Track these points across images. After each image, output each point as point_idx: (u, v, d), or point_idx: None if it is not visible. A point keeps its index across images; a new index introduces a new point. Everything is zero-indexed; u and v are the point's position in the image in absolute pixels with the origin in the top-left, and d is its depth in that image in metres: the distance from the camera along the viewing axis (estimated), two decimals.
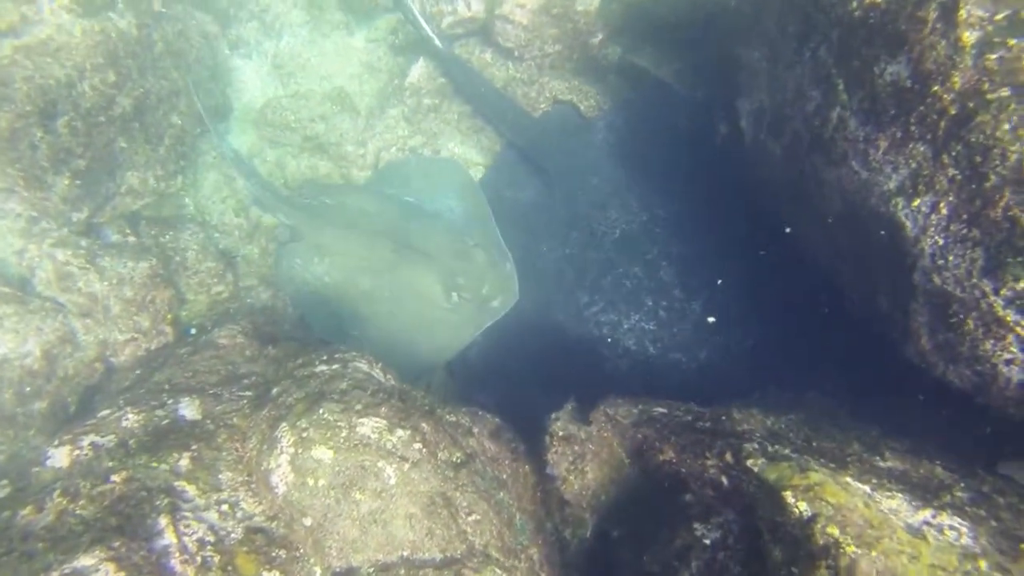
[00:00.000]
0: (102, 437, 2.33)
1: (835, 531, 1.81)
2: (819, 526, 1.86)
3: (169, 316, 3.84)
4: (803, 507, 1.97)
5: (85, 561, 1.74)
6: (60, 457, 2.27)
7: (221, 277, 4.35)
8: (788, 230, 3.75)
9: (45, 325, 3.36)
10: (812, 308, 3.96)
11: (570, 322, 4.42)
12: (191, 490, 2.11)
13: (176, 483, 2.10)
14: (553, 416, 3.12)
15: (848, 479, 2.12)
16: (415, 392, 2.75)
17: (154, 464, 2.15)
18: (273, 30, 5.12)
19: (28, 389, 3.26)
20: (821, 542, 1.82)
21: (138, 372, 3.24)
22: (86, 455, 2.25)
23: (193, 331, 3.97)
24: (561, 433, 3.03)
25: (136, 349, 3.59)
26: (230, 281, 4.40)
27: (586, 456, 3.00)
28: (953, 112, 2.42)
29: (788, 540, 2.00)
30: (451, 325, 3.95)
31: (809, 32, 3.32)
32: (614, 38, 4.88)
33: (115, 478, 2.06)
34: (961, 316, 2.44)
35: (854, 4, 2.89)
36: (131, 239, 4.02)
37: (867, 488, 2.06)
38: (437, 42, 4.72)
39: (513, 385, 4.27)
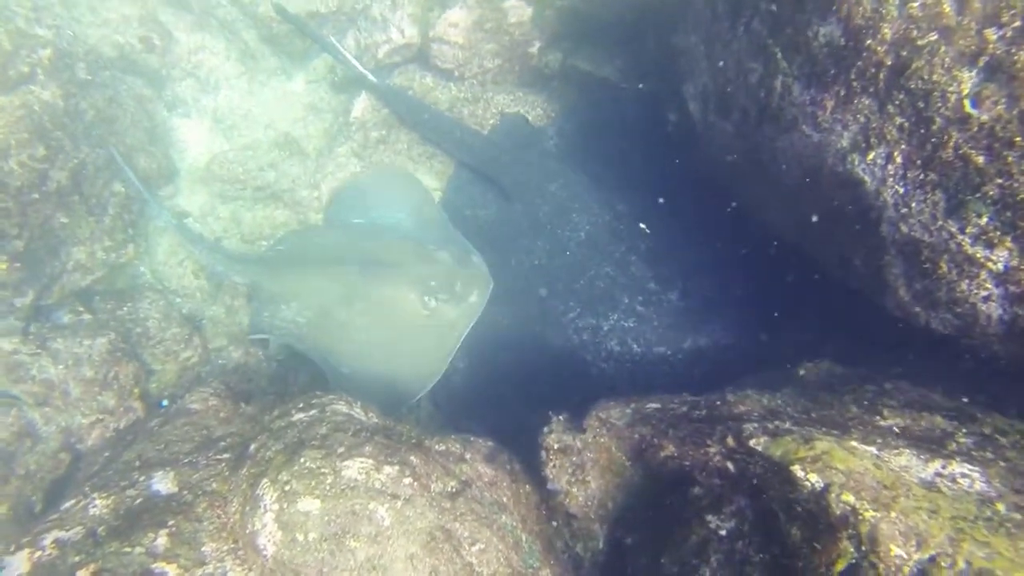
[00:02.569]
0: (67, 531, 2.17)
1: (850, 498, 1.74)
2: (833, 495, 1.78)
3: (136, 391, 3.68)
4: (814, 478, 1.90)
5: None
6: (19, 564, 2.09)
7: (188, 342, 4.20)
8: (734, 204, 3.73)
9: None
10: (788, 280, 3.95)
11: (549, 333, 4.33)
12: (171, 570, 1.96)
13: (154, 565, 1.96)
14: (546, 429, 3.02)
15: (854, 443, 2.05)
16: (400, 427, 2.64)
17: (127, 549, 2.00)
18: (209, 85, 5.04)
19: None
20: (838, 511, 1.75)
21: (107, 454, 3.07)
22: (49, 555, 2.09)
23: (165, 403, 3.81)
24: (556, 445, 2.93)
25: (103, 431, 3.42)
26: (198, 345, 4.25)
27: (586, 465, 2.90)
28: (889, 62, 2.43)
29: (804, 516, 1.92)
30: (435, 332, 3.84)
31: (739, 7, 3.34)
32: (552, 44, 4.90)
33: (81, 574, 1.90)
34: (933, 261, 2.42)
35: None
36: (86, 317, 3.86)
37: (873, 449, 2.00)
38: (371, 78, 4.68)
39: (501, 407, 4.16)
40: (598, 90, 4.98)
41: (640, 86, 4.72)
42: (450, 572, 2.01)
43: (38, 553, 2.07)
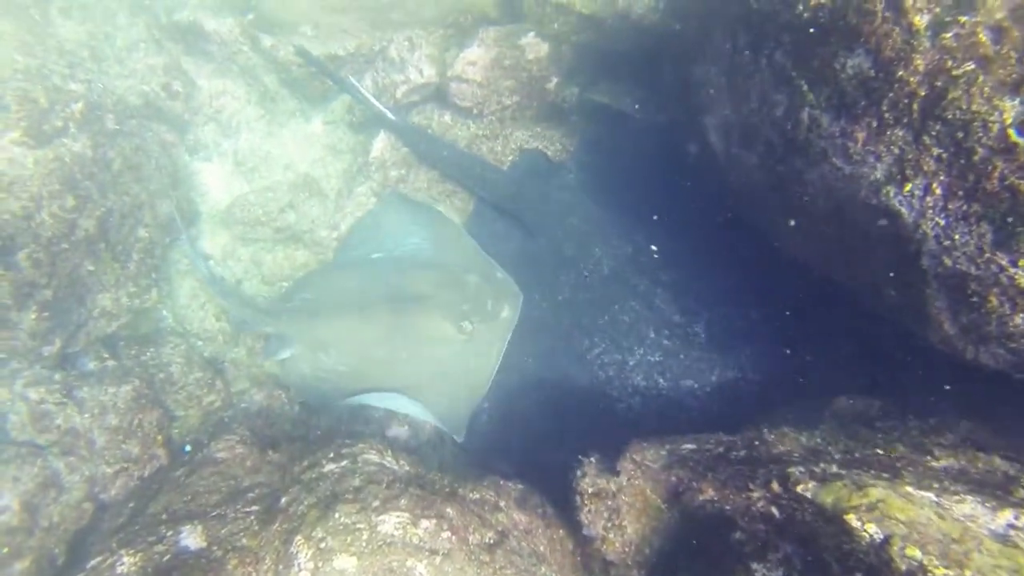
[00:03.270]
0: None
1: (916, 553, 1.65)
2: (895, 548, 1.69)
3: (160, 437, 3.64)
4: (871, 529, 1.81)
5: None
6: None
7: (211, 386, 4.17)
8: (748, 227, 3.69)
9: (22, 473, 3.14)
10: (816, 311, 3.87)
11: (575, 370, 4.27)
12: None
13: None
14: (579, 473, 2.94)
15: (909, 488, 1.96)
16: (432, 475, 2.58)
17: None
18: (230, 129, 5.10)
19: (6, 550, 2.99)
20: (904, 568, 1.65)
21: (131, 505, 3.01)
22: None
23: (188, 448, 3.75)
24: (591, 490, 2.85)
25: (128, 480, 3.38)
26: (220, 388, 4.22)
27: (621, 509, 2.82)
28: (923, 93, 2.39)
29: (863, 568, 1.82)
30: (475, 354, 3.86)
31: (760, 40, 3.33)
32: (569, 79, 4.92)
33: None
34: (982, 295, 2.35)
35: (800, 7, 2.90)
36: (110, 363, 3.85)
37: (931, 495, 1.91)
38: (390, 116, 4.72)
39: (528, 446, 4.09)
40: (616, 123, 4.99)
41: (659, 118, 4.71)
42: None
43: None
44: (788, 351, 4.04)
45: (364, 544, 1.99)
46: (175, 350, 4.17)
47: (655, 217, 4.53)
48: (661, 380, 4.18)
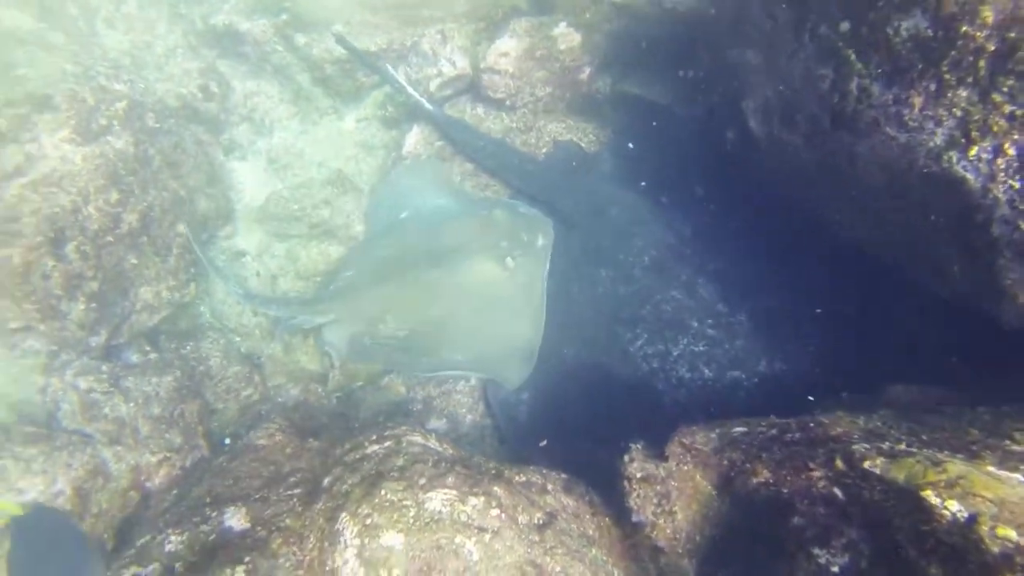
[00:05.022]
0: (144, 567, 2.10)
1: (1011, 533, 1.51)
2: (985, 529, 1.56)
3: (201, 428, 3.65)
4: (954, 507, 1.68)
5: None
6: None
7: (248, 380, 4.18)
8: (792, 210, 3.56)
9: (74, 460, 3.17)
10: (870, 297, 3.72)
11: (616, 363, 4.15)
12: None
13: None
14: (626, 458, 2.84)
15: (991, 468, 1.83)
16: (477, 458, 2.51)
17: None
18: (264, 128, 5.15)
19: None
20: (996, 549, 1.52)
21: (175, 492, 3.02)
22: None
23: (227, 441, 3.76)
24: (639, 474, 2.75)
25: (171, 469, 3.38)
26: (258, 383, 4.23)
27: (671, 495, 2.70)
28: (992, 47, 2.27)
29: (945, 551, 1.69)
30: (523, 286, 3.97)
31: (804, 14, 3.23)
32: (603, 69, 4.86)
33: None
34: None
35: None
36: (152, 356, 3.88)
37: (1020, 476, 1.77)
38: (428, 105, 4.70)
39: (569, 441, 3.98)
40: (651, 112, 4.90)
41: (695, 106, 4.62)
42: None
43: None
44: (838, 341, 3.88)
45: (411, 521, 1.93)
46: (213, 344, 4.20)
47: (695, 206, 4.42)
48: (707, 371, 4.05)
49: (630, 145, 4.89)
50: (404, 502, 1.97)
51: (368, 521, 1.94)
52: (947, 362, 3.43)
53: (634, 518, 2.69)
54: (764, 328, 4.03)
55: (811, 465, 2.30)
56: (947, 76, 2.44)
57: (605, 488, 2.92)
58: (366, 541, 1.91)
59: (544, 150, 4.87)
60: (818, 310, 3.95)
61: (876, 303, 3.76)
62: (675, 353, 4.08)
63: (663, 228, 4.43)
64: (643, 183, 4.65)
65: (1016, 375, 2.89)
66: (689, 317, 4.12)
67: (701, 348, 4.07)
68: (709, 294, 4.17)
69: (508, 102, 4.78)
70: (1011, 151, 2.26)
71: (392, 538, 1.89)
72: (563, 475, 2.91)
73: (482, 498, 2.02)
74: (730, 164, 4.24)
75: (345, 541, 1.94)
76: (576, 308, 4.29)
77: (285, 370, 4.51)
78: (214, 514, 2.36)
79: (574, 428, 4.01)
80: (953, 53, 2.39)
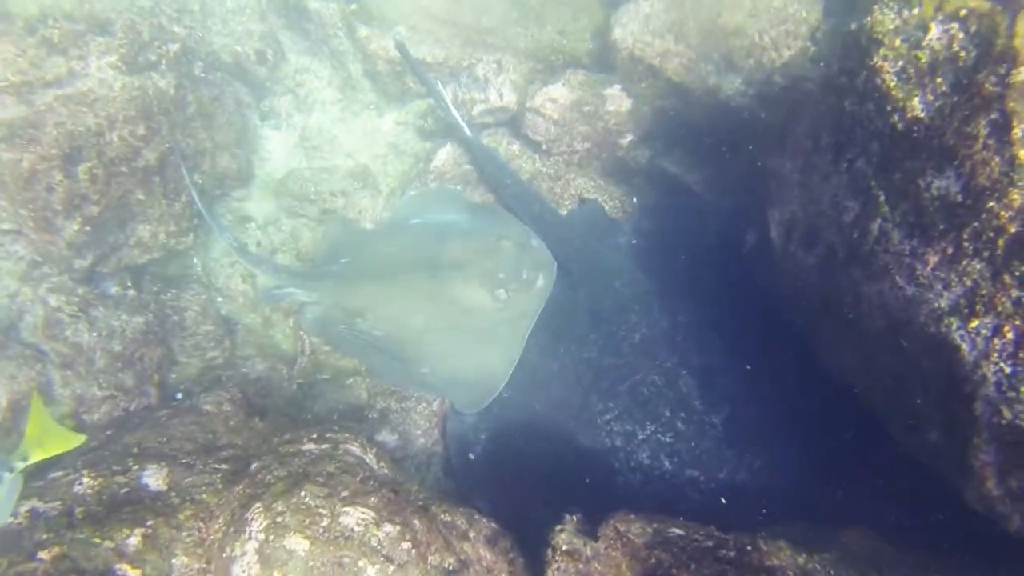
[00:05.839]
0: (46, 503, 2.04)
1: None
2: None
3: (156, 377, 3.61)
4: None
5: None
6: None
7: (219, 343, 4.15)
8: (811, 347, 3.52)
9: (20, 374, 3.13)
10: (846, 433, 3.68)
11: (582, 429, 4.10)
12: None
13: (118, 566, 1.80)
14: (558, 527, 2.78)
15: None
16: (409, 485, 2.46)
17: (96, 540, 1.85)
18: (305, 105, 5.21)
19: None
20: None
21: (109, 433, 2.96)
22: (19, 524, 1.95)
23: (179, 396, 3.71)
24: (565, 547, 2.69)
25: (113, 407, 3.33)
26: (227, 347, 4.19)
27: None
28: (1013, 230, 2.28)
29: None
30: (508, 322, 3.95)
31: (845, 144, 3.27)
32: (644, 141, 4.92)
33: (43, 555, 1.76)
34: None
35: (895, 118, 2.84)
36: (131, 293, 3.86)
37: None
38: (466, 130, 4.75)
39: (515, 493, 3.91)
40: (680, 196, 4.94)
41: (724, 201, 4.66)
42: None
43: (9, 519, 1.94)
44: (807, 467, 3.83)
45: (321, 531, 1.88)
46: (194, 298, 4.18)
47: (699, 297, 4.42)
48: (667, 463, 3.99)
49: (653, 223, 4.91)
50: (320, 510, 1.92)
51: (279, 519, 1.89)
52: (903, 522, 3.37)
53: None
54: (734, 437, 3.98)
55: None
56: (965, 244, 2.45)
57: (534, 548, 2.86)
58: (271, 538, 1.86)
59: (568, 203, 4.89)
60: (793, 435, 3.91)
61: (855, 442, 3.72)
62: (640, 436, 4.03)
63: (661, 311, 4.41)
64: (656, 264, 4.65)
65: (972, 557, 2.83)
66: (663, 405, 4.08)
67: (667, 439, 4.02)
68: (689, 387, 4.13)
69: (545, 146, 4.83)
70: (1010, 335, 2.25)
71: (297, 543, 1.84)
72: (493, 525, 2.84)
73: (398, 527, 1.97)
74: (742, 265, 4.26)
75: (251, 532, 1.89)
76: (557, 365, 4.26)
77: (258, 343, 4.48)
78: (135, 467, 2.31)
79: (523, 480, 3.95)
80: (976, 224, 2.40)
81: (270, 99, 5.14)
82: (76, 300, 3.43)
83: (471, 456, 4.01)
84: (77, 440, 2.28)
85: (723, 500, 3.82)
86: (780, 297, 3.87)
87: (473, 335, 3.93)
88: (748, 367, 4.08)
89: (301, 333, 4.20)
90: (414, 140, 5.25)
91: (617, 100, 4.75)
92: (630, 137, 4.86)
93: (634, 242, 4.80)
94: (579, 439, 4.07)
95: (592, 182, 4.94)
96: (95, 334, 3.39)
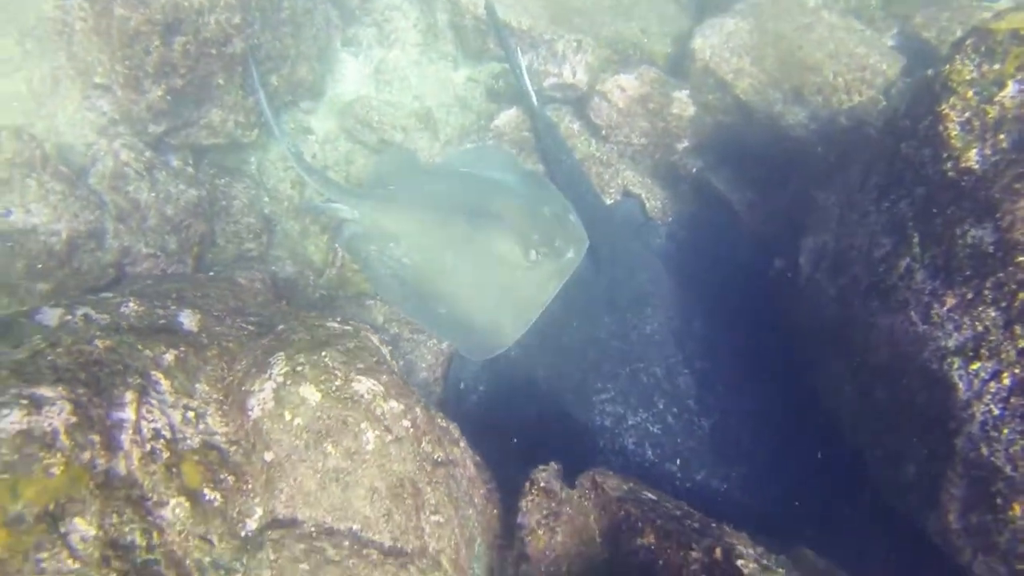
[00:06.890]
0: (98, 313, 2.22)
1: None
2: None
3: (196, 250, 3.79)
4: None
5: (45, 392, 1.59)
6: (51, 317, 2.16)
7: (257, 236, 4.34)
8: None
9: (82, 214, 3.32)
10: (825, 459, 3.78)
11: (577, 404, 4.22)
12: (165, 384, 1.97)
13: (153, 372, 1.97)
14: (540, 467, 2.93)
15: None
16: (413, 388, 2.61)
17: (139, 347, 2.02)
18: (387, 40, 5.40)
19: (40, 267, 3.17)
20: None
21: (149, 282, 3.15)
22: (76, 323, 2.14)
23: (212, 274, 3.90)
24: (542, 484, 2.83)
25: (154, 266, 3.53)
26: (263, 243, 4.38)
27: (561, 516, 2.78)
28: None
29: None
30: (534, 283, 4.09)
31: (892, 185, 3.37)
32: (699, 151, 5.03)
33: (99, 343, 1.93)
34: (1007, 499, 2.26)
35: (948, 166, 2.94)
36: (190, 169, 4.06)
37: None
38: (534, 99, 4.90)
39: (500, 449, 4.05)
40: (720, 212, 5.05)
41: (764, 226, 4.75)
42: (402, 525, 1.93)
43: (68, 317, 2.12)
44: (781, 486, 3.93)
45: (334, 388, 2.04)
46: (244, 191, 4.37)
47: (716, 306, 4.53)
48: (649, 452, 4.10)
49: (688, 232, 5.02)
50: (336, 371, 2.08)
51: (299, 369, 2.06)
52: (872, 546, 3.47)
53: (519, 518, 2.76)
54: (719, 443, 4.09)
55: (693, 546, 2.38)
56: (986, 292, 2.56)
57: (508, 495, 3.00)
58: (288, 383, 2.02)
59: (612, 191, 5.02)
60: (774, 456, 4.01)
61: (836, 469, 3.81)
62: (630, 422, 4.15)
63: (677, 312, 4.53)
64: (683, 270, 4.76)
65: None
66: (659, 397, 4.19)
67: (655, 430, 4.13)
68: (687, 386, 4.24)
69: (604, 132, 4.97)
70: (1007, 380, 2.35)
71: (310, 392, 2.00)
72: (477, 457, 2.99)
73: (402, 407, 2.13)
74: (765, 288, 4.36)
75: (271, 374, 2.05)
76: (567, 338, 4.39)
77: (292, 248, 4.66)
78: (173, 307, 2.48)
79: (509, 439, 4.08)
80: (1000, 275, 2.51)
81: (356, 27, 5.33)
82: (144, 160, 3.62)
83: (466, 403, 4.16)
84: None
85: (693, 502, 3.94)
86: (794, 324, 3.97)
87: (496, 286, 4.06)
88: (748, 383, 4.19)
89: (336, 246, 4.37)
90: (481, 99, 5.41)
91: (682, 105, 4.87)
92: (686, 143, 4.97)
93: (667, 245, 4.92)
94: (572, 413, 4.19)
95: (640, 178, 5.06)
96: (153, 195, 3.59)
